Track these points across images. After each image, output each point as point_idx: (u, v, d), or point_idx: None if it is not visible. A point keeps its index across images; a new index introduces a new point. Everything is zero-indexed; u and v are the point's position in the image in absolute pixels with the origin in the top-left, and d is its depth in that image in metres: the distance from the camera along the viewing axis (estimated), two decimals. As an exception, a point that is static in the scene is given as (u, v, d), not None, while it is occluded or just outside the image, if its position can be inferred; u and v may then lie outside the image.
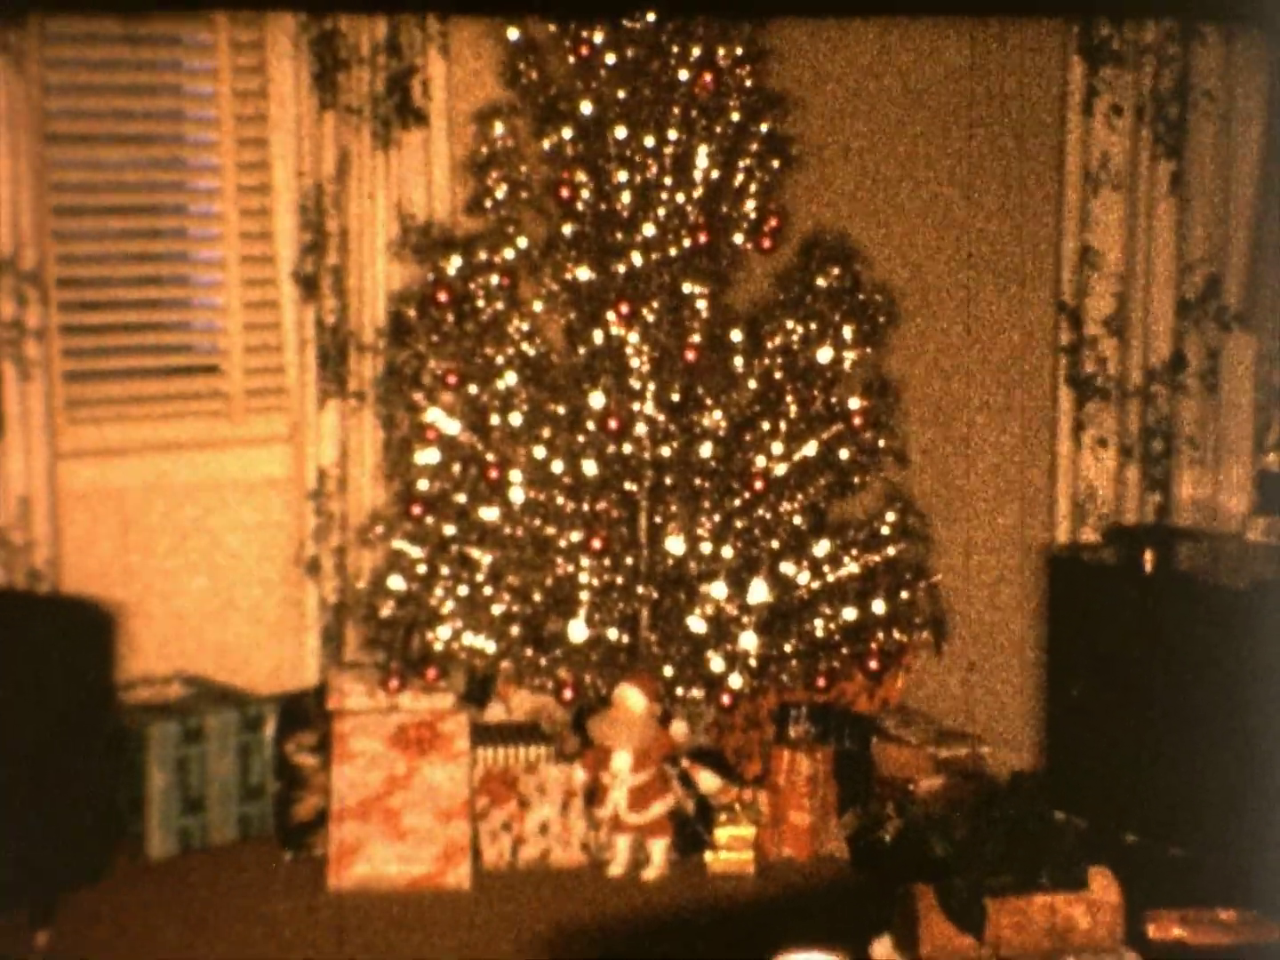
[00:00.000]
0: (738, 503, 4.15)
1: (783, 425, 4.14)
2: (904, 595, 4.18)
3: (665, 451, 4.15)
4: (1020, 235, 4.52)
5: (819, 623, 4.14)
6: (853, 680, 4.31)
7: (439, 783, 3.95)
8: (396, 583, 4.06)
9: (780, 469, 4.16)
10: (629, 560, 4.15)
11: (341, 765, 3.94)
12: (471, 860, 3.92)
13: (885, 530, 4.20)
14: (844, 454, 4.18)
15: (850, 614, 4.15)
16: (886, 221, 4.59)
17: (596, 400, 4.10)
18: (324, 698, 4.07)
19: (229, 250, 4.34)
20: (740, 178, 4.12)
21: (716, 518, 4.15)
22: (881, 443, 4.19)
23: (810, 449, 4.17)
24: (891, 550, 4.18)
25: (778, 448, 4.14)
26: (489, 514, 4.09)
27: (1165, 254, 4.43)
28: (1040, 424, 4.59)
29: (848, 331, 4.14)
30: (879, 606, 4.16)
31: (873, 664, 4.17)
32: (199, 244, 4.47)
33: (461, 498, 4.09)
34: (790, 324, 4.13)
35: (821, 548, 4.17)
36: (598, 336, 4.15)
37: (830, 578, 4.16)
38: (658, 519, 4.17)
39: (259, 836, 4.12)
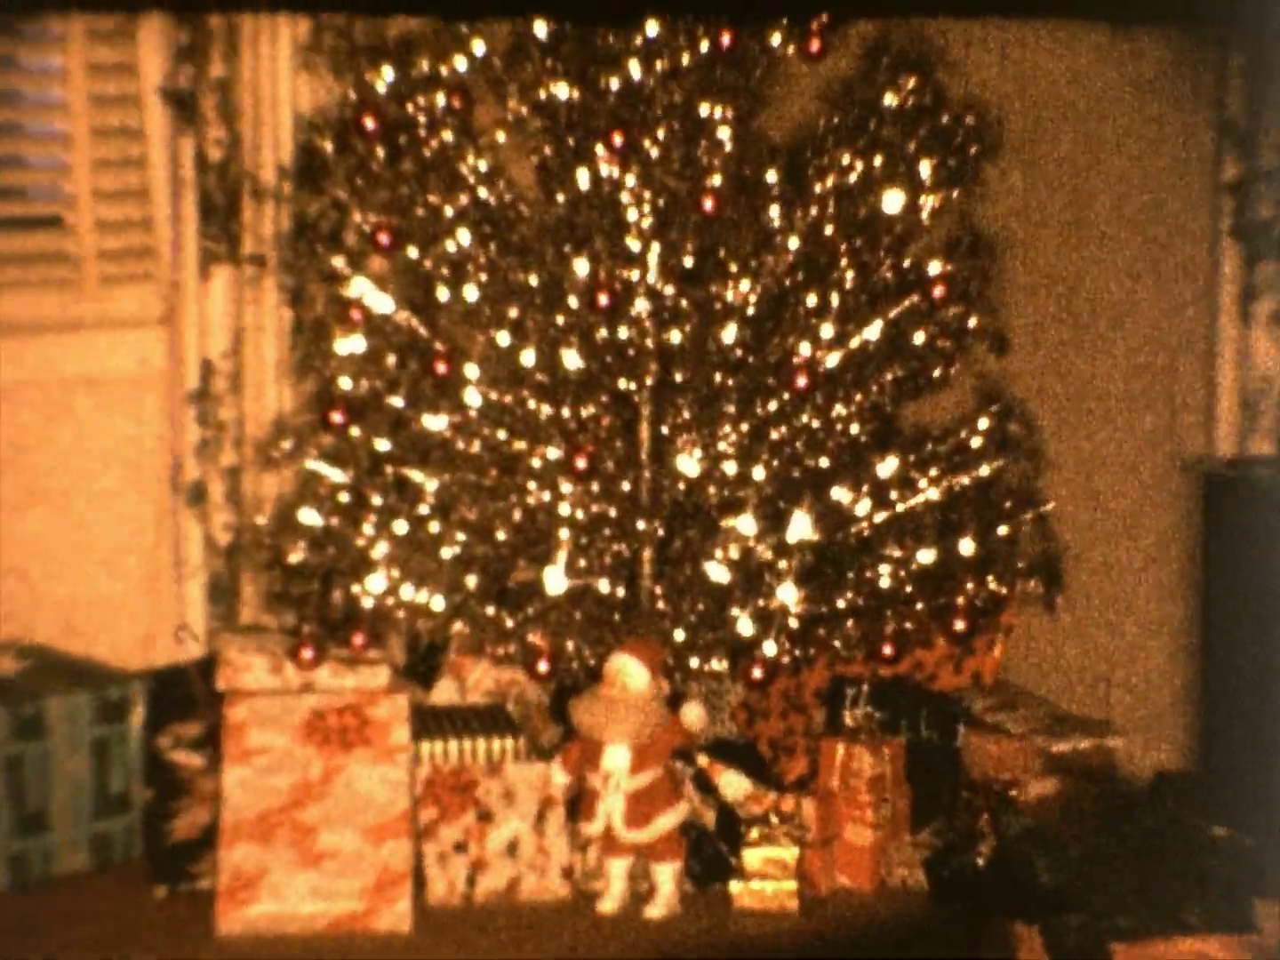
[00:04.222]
0: (773, 406, 4.11)
1: (835, 299, 4.07)
2: (1003, 530, 4.12)
3: (674, 337, 4.10)
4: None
5: (884, 569, 4.10)
6: (932, 647, 4.31)
7: (369, 789, 3.93)
8: (310, 517, 4.04)
9: (832, 359, 4.09)
10: (625, 485, 4.13)
11: (235, 766, 3.91)
12: (413, 894, 3.89)
13: (977, 442, 4.14)
14: (920, 338, 4.12)
15: (927, 556, 4.09)
16: (980, 10, 4.52)
17: (581, 267, 4.06)
18: (211, 674, 4.04)
19: (74, 58, 4.29)
20: (776, -51, 4.07)
21: (744, 427, 4.12)
22: (972, 321, 4.12)
23: (873, 331, 4.10)
24: (986, 469, 4.12)
25: (828, 330, 4.07)
26: (435, 423, 4.07)
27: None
28: (1195, 293, 4.54)
29: (926, 168, 4.07)
30: (967, 546, 4.09)
31: (959, 624, 4.10)
32: (32, 49, 4.41)
33: (397, 401, 4.07)
34: (847, 159, 4.07)
35: (888, 466, 4.10)
36: (582, 179, 4.09)
37: (900, 508, 4.11)
38: (664, 429, 4.15)
39: (122, 864, 4.09)
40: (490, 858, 4.00)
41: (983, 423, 4.16)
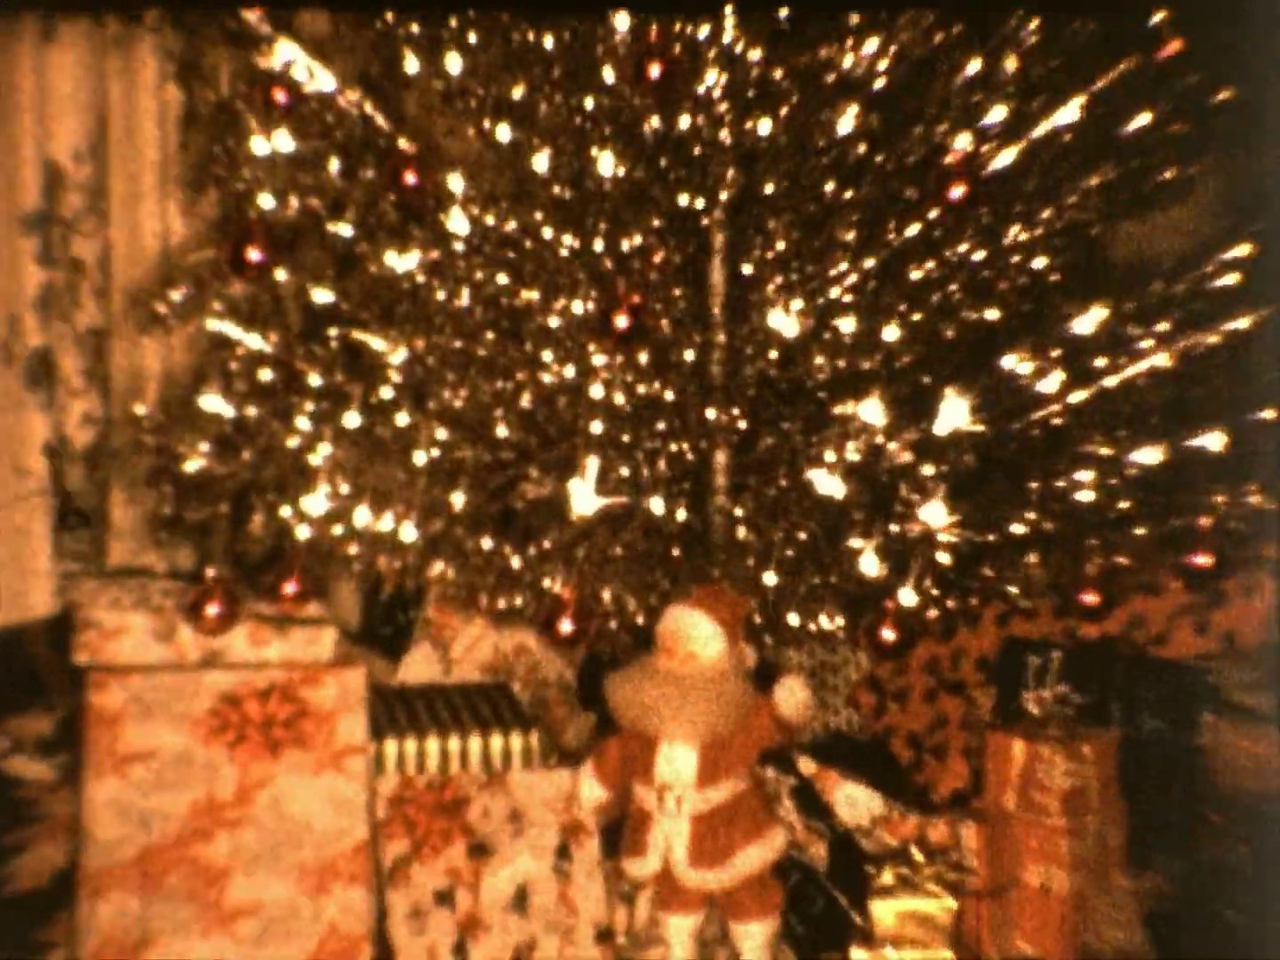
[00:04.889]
0: (913, 229, 3.77)
1: (1010, 64, 3.69)
2: (1268, 414, 3.77)
3: (763, 126, 3.76)
4: None
5: (1085, 476, 3.75)
6: (1160, 594, 4.13)
7: (307, 811, 3.76)
8: (215, 404, 3.81)
9: (1004, 157, 3.72)
10: (688, 354, 3.87)
11: (104, 780, 3.70)
12: (374, 967, 3.65)
13: (1230, 279, 3.75)
14: (1141, 120, 3.73)
15: (1152, 456, 3.73)
16: None
17: (620, 20, 3.73)
18: (66, 641, 3.90)
19: None
20: None
21: (868, 263, 3.80)
22: (1224, 93, 3.77)
23: (1068, 114, 3.73)
24: (1244, 322, 3.72)
25: (999, 112, 3.69)
26: (400, 263, 3.84)
27: None
28: None
29: None
30: (1214, 440, 3.73)
31: (1201, 559, 3.78)
32: None
33: (345, 229, 3.81)
34: None
35: (1091, 319, 3.70)
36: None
37: (1110, 381, 3.73)
38: (746, 268, 3.86)
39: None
40: (488, 913, 3.78)
41: (1240, 250, 3.73)
